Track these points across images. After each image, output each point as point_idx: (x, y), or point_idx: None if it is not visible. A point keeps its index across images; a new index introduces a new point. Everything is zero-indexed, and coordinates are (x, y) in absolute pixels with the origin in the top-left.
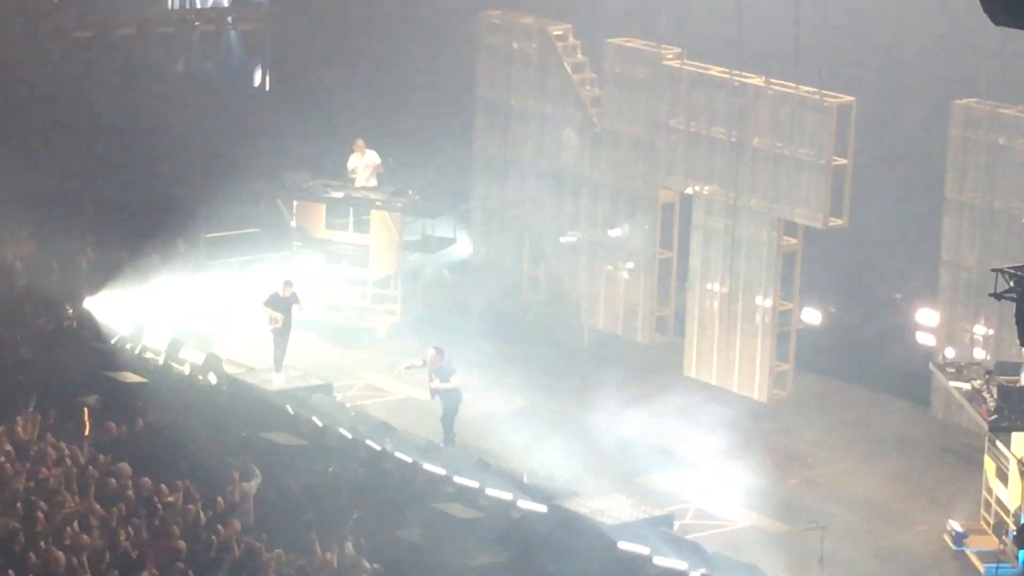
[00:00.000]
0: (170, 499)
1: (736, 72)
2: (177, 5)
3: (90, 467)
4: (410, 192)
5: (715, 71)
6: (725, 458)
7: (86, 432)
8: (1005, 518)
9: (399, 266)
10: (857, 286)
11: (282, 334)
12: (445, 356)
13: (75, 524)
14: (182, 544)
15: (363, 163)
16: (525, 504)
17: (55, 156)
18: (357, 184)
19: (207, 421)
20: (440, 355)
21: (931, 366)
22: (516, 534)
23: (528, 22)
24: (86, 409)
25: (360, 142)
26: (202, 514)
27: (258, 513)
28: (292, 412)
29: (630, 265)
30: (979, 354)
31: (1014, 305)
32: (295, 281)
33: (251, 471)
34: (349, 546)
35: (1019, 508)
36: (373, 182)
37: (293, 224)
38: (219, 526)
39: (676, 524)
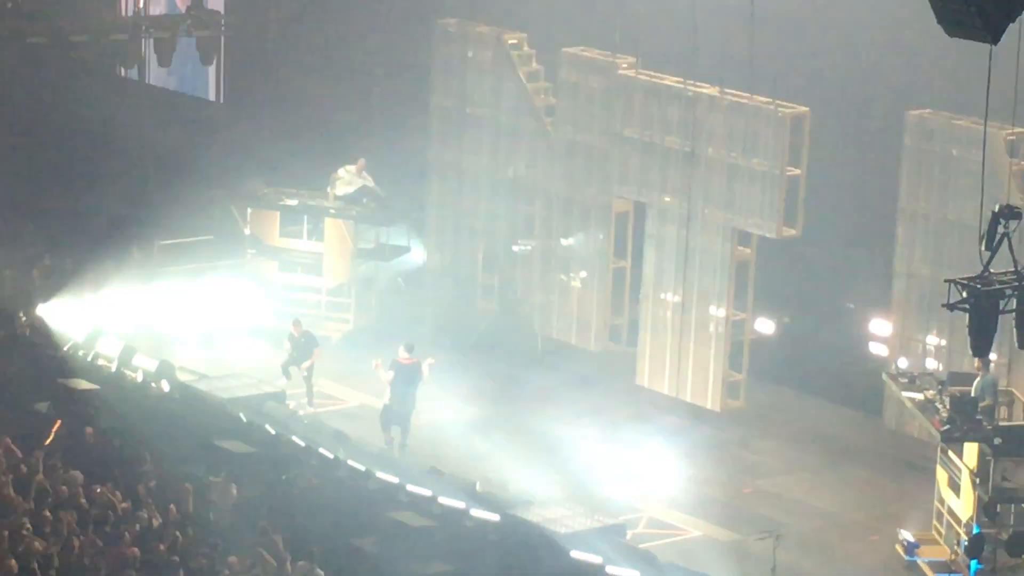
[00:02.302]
0: (123, 506)
1: (690, 82)
2: (131, 12)
3: (41, 474)
4: (364, 200)
5: (669, 81)
6: (678, 467)
7: (48, 440)
8: (957, 528)
9: (353, 274)
10: (810, 296)
11: (307, 370)
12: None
13: (28, 531)
14: (134, 551)
15: (353, 178)
16: (478, 513)
17: (8, 163)
18: (335, 190)
19: (160, 428)
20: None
21: (884, 376)
22: (469, 543)
23: (484, 31)
24: (58, 420)
25: (362, 161)
26: (155, 521)
27: (211, 519)
28: (245, 420)
29: (583, 274)
30: (932, 364)
31: (967, 316)
32: (302, 320)
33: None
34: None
35: (971, 518)
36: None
37: (247, 232)
38: (176, 533)
39: (629, 533)
